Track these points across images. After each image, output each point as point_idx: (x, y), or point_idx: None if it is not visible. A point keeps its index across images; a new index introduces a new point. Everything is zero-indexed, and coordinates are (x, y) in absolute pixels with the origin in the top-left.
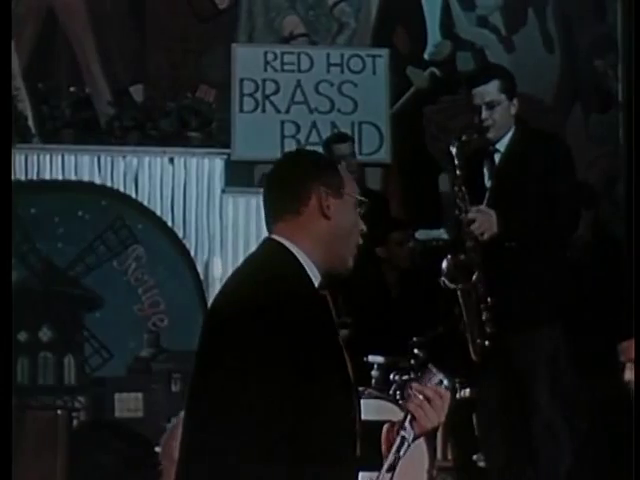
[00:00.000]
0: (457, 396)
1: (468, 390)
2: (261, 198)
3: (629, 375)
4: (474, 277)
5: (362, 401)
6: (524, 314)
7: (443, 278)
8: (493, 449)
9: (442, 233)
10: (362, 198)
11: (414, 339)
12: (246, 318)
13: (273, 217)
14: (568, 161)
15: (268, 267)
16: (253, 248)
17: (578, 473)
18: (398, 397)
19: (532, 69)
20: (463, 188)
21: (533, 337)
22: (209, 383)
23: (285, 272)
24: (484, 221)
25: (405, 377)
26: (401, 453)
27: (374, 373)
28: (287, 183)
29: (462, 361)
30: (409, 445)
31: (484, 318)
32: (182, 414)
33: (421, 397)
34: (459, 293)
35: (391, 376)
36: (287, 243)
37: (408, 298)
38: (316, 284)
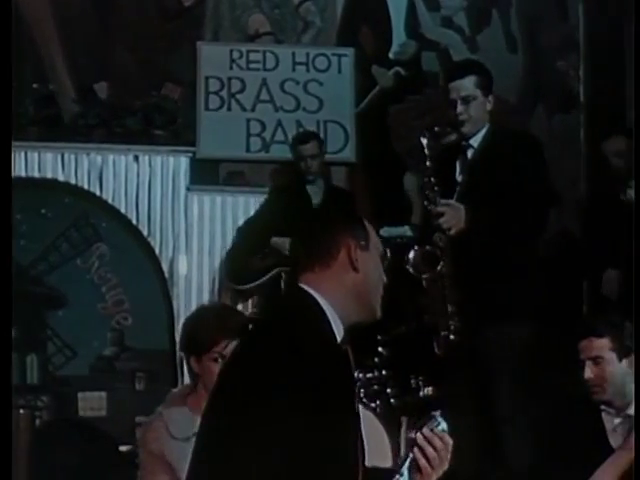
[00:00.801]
0: (420, 394)
1: (431, 388)
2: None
3: (589, 373)
4: (439, 267)
5: None
6: (490, 310)
7: (409, 267)
8: (460, 447)
9: (406, 230)
10: (386, 250)
11: (378, 337)
12: (268, 368)
13: (302, 267)
14: (540, 160)
15: (295, 318)
16: (218, 246)
17: (542, 469)
18: (362, 395)
19: (496, 69)
20: (432, 179)
21: (499, 333)
22: (224, 424)
23: (311, 325)
24: (452, 216)
25: (369, 375)
26: None
27: None
28: (318, 236)
29: (427, 357)
30: None
31: (450, 311)
32: (158, 410)
33: (430, 449)
34: (425, 283)
35: (356, 374)
36: (316, 295)
37: None
38: (339, 338)
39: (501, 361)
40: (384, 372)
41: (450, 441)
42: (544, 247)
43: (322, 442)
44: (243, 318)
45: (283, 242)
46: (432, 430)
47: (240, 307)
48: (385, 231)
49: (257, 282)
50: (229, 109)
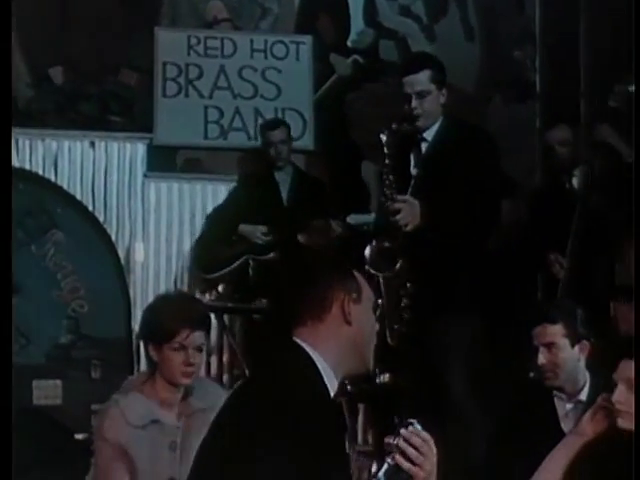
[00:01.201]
0: (377, 381)
1: (387, 375)
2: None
3: (542, 359)
4: (397, 266)
5: None
6: (441, 301)
7: (367, 265)
8: None
9: (373, 218)
10: (378, 301)
11: None
12: (260, 425)
13: (295, 320)
14: (493, 153)
15: (287, 373)
16: (175, 234)
17: (495, 455)
18: None
19: (453, 58)
20: (391, 177)
21: (450, 323)
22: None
23: (304, 381)
24: (409, 212)
25: None
26: None
27: None
28: (311, 289)
29: (381, 345)
30: None
31: (403, 304)
32: (114, 397)
33: (411, 449)
34: (381, 281)
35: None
36: (309, 349)
37: None
38: (332, 392)
39: (454, 350)
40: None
41: (428, 437)
42: (500, 237)
43: None
44: (204, 308)
45: (251, 229)
46: (408, 429)
47: (208, 296)
48: (352, 219)
49: (225, 270)
50: (186, 96)
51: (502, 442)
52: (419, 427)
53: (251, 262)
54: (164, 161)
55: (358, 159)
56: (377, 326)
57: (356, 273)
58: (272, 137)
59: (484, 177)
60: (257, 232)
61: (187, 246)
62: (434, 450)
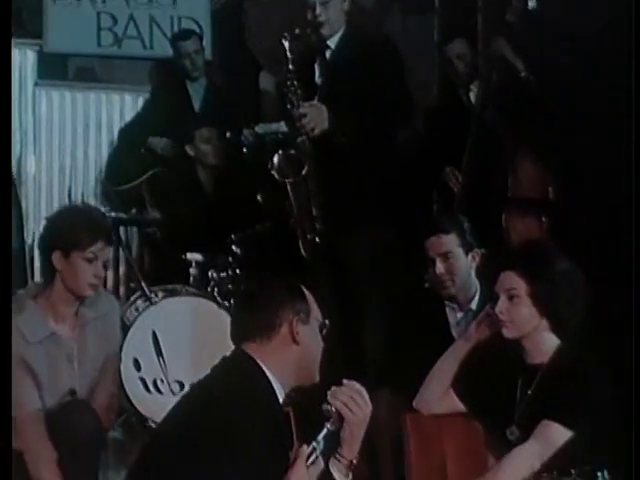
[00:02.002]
0: None
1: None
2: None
3: (440, 269)
4: (304, 171)
5: (180, 298)
6: (352, 212)
7: (273, 172)
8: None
9: (282, 126)
10: (325, 321)
11: (232, 236)
12: (213, 428)
13: (243, 336)
14: (395, 61)
15: (239, 380)
16: (68, 145)
17: (393, 360)
18: (217, 294)
19: None
20: (296, 83)
21: (360, 235)
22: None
23: (255, 388)
24: (315, 116)
25: (223, 274)
26: (309, 462)
27: (192, 271)
28: (261, 309)
29: (286, 256)
30: (317, 457)
31: (314, 214)
32: None
33: (345, 396)
34: (289, 187)
35: (209, 273)
36: (258, 360)
37: (224, 195)
38: (281, 400)
39: (358, 261)
40: (238, 271)
41: (362, 388)
42: (399, 150)
43: None
44: (110, 222)
45: (159, 142)
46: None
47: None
48: (260, 128)
49: (134, 183)
50: (78, 0)
51: (397, 347)
52: (353, 382)
53: (159, 175)
54: (55, 69)
55: (256, 69)
56: (322, 343)
57: (306, 293)
58: (185, 48)
59: (387, 86)
60: (164, 145)
61: (80, 157)
62: (367, 401)
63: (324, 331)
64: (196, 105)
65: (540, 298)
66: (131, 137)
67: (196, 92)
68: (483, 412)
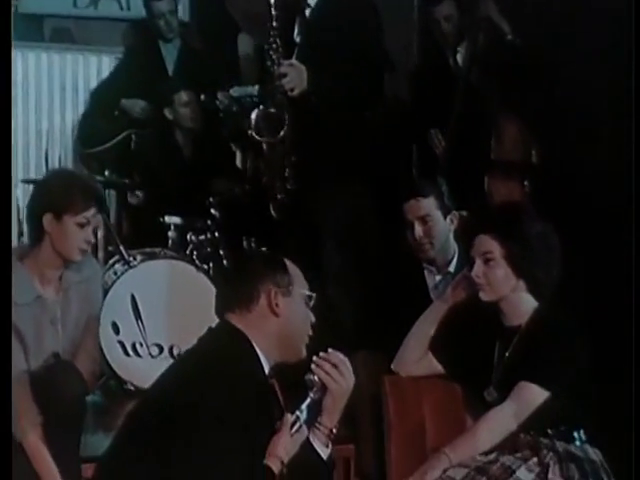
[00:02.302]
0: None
1: (265, 249)
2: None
3: (419, 232)
4: (282, 132)
5: (159, 262)
6: (325, 171)
7: (251, 130)
8: None
9: (256, 90)
10: (311, 293)
11: (210, 199)
12: (200, 396)
13: (225, 307)
14: (375, 21)
15: (227, 349)
16: (45, 107)
17: (367, 324)
18: (195, 257)
19: None
20: (278, 41)
21: (332, 194)
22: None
23: (242, 357)
24: (295, 76)
25: (201, 237)
26: (293, 431)
27: (171, 234)
28: (238, 281)
29: (260, 219)
30: (301, 426)
31: (287, 175)
32: None
33: (328, 365)
34: (265, 147)
35: (188, 236)
36: (243, 329)
37: (202, 158)
38: (267, 371)
39: (332, 222)
40: (217, 234)
41: (345, 359)
42: (378, 113)
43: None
44: (102, 190)
45: (133, 104)
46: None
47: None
48: (235, 91)
49: (106, 145)
50: None
51: (375, 309)
52: (337, 353)
53: (133, 137)
54: (31, 30)
55: (234, 32)
56: (312, 317)
57: (290, 266)
58: (159, 8)
59: (367, 47)
60: (138, 107)
61: (57, 120)
62: (351, 372)
63: (311, 304)
64: (170, 67)
65: (515, 260)
66: (104, 99)
67: (170, 54)
68: (461, 374)
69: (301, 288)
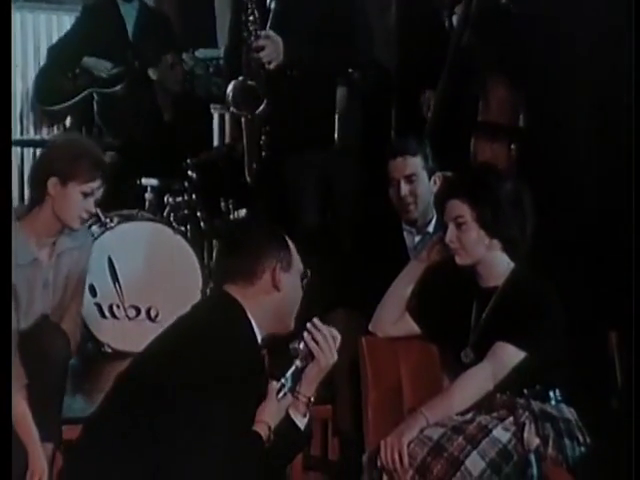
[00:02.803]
0: (231, 217)
1: (244, 210)
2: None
3: (404, 190)
4: (261, 106)
5: (136, 224)
6: (297, 136)
7: (228, 102)
8: None
9: (221, 52)
10: (306, 270)
11: (188, 161)
12: (193, 362)
13: (225, 277)
14: None
15: (223, 317)
16: (19, 67)
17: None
18: (172, 219)
19: None
20: (256, 12)
21: (304, 159)
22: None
23: (237, 326)
24: (273, 49)
25: (179, 199)
26: (279, 397)
27: (148, 196)
28: (244, 256)
29: (237, 182)
30: (286, 393)
31: (262, 143)
32: None
33: (320, 336)
34: (243, 119)
35: (165, 198)
36: (241, 301)
37: (181, 121)
38: (259, 341)
39: (308, 185)
40: (194, 196)
41: (338, 335)
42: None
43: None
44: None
45: (94, 63)
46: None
47: (47, 132)
48: (200, 53)
49: (67, 103)
50: None
51: (353, 268)
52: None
53: (95, 96)
54: None
55: None
56: (301, 293)
57: (289, 242)
58: None
59: (343, 13)
60: (101, 66)
61: (31, 79)
62: (338, 342)
63: (305, 281)
64: (129, 28)
65: (486, 221)
66: (63, 56)
67: (129, 14)
68: (438, 335)
69: (299, 265)
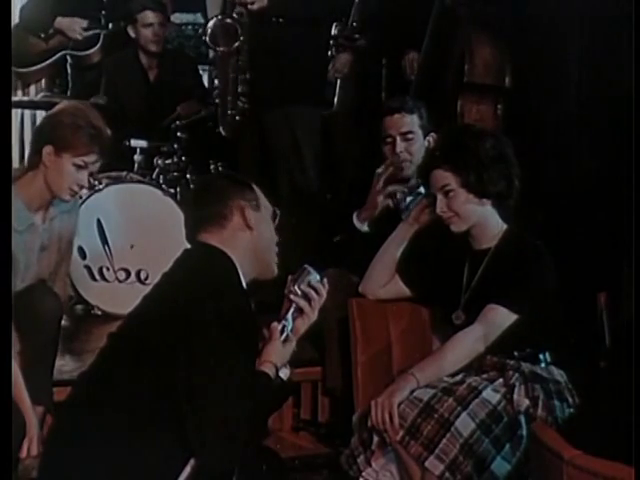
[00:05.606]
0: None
1: (220, 164)
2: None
3: (400, 147)
4: (237, 43)
5: (125, 186)
6: (279, 91)
7: (206, 38)
8: None
9: (198, 17)
10: (275, 209)
11: (177, 123)
12: (189, 314)
13: (197, 229)
14: None
15: (207, 265)
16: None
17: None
18: (162, 181)
19: None
20: None
21: (286, 114)
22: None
23: (225, 272)
24: None
25: (168, 161)
26: (282, 338)
27: (137, 157)
28: (208, 201)
29: (218, 140)
30: (288, 335)
31: (240, 91)
32: None
33: (313, 292)
34: (218, 57)
35: (154, 160)
36: (218, 246)
37: (166, 81)
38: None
39: (287, 142)
40: (183, 158)
41: (324, 292)
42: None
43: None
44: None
45: (68, 23)
46: (308, 284)
47: (20, 93)
48: (177, 17)
49: (41, 65)
50: None
51: (346, 230)
52: (318, 278)
53: (69, 58)
54: None
55: None
56: (276, 236)
57: (254, 186)
58: None
59: None
60: (76, 26)
61: None
62: (324, 294)
63: (276, 220)
64: None
65: (471, 183)
66: (36, 16)
67: None
68: (429, 297)
69: (266, 205)
